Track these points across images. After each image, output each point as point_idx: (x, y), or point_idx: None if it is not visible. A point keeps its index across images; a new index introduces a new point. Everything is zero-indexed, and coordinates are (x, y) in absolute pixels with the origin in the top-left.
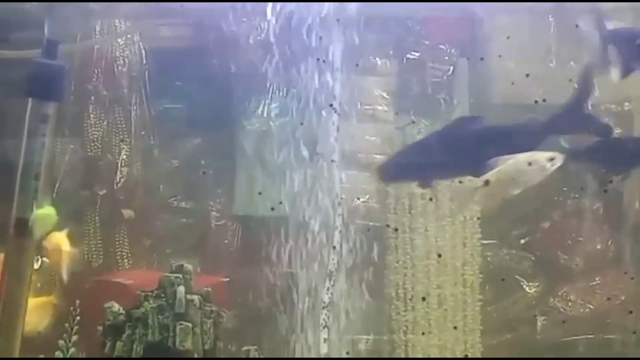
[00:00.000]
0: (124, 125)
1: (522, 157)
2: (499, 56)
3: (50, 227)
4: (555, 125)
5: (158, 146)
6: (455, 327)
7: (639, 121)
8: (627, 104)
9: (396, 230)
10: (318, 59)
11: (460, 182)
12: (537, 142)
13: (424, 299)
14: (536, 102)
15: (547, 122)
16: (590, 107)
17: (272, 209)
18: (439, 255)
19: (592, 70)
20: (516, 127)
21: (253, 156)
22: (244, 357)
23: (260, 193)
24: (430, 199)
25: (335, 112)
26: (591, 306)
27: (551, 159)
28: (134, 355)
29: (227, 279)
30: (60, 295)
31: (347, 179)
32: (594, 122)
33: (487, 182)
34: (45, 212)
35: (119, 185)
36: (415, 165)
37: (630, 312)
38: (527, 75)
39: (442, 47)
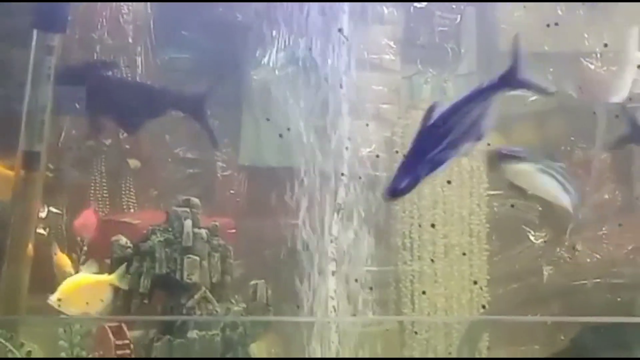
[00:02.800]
0: (129, 75)
1: None
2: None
3: None
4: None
5: None
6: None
7: None
8: None
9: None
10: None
11: None
12: None
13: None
14: None
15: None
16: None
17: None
18: (449, 182)
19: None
20: None
21: (259, 106)
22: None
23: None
24: None
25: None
26: (598, 255)
27: None
28: (141, 288)
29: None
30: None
31: (353, 129)
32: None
33: None
34: None
35: (124, 135)
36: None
37: None
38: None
39: None
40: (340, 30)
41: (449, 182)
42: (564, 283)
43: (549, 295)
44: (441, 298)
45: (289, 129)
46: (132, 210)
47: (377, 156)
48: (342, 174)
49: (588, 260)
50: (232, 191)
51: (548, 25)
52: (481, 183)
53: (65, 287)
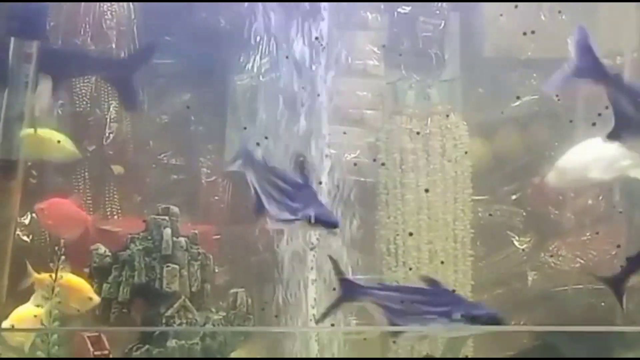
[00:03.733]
0: None
1: None
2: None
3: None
4: None
5: (147, 102)
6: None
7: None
8: (619, 57)
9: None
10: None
11: None
12: None
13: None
14: None
15: None
16: None
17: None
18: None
19: None
20: None
21: (243, 112)
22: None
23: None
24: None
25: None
26: (582, 260)
27: None
28: (120, 297)
29: (218, 237)
30: None
31: (337, 135)
32: None
33: None
34: None
35: (108, 141)
36: None
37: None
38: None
39: None
40: (317, 38)
41: (426, 190)
42: (548, 288)
43: (533, 300)
44: None
45: (266, 138)
46: (115, 217)
47: (360, 162)
48: (320, 183)
49: (572, 265)
50: (216, 197)
51: (525, 34)
52: (465, 189)
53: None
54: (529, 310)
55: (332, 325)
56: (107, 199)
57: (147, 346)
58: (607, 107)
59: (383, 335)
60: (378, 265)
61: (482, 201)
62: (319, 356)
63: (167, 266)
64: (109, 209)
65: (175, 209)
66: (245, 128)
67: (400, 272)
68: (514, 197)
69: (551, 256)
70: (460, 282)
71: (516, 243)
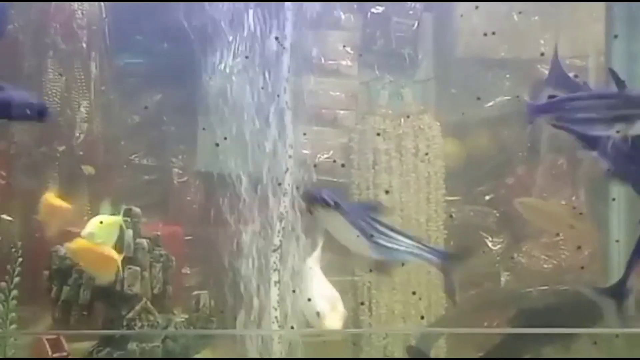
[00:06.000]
0: (83, 80)
1: None
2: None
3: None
4: None
5: (118, 102)
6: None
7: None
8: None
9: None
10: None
11: None
12: None
13: None
14: None
15: None
16: None
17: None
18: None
19: None
20: None
21: (215, 112)
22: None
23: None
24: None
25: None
26: (554, 261)
27: None
28: (80, 300)
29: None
30: None
31: (310, 135)
32: None
33: None
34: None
35: (78, 141)
36: None
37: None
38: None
39: None
40: (277, 38)
41: (387, 192)
42: (521, 288)
43: (506, 300)
44: (399, 305)
45: (225, 138)
46: (85, 218)
47: (334, 161)
48: (279, 183)
49: (545, 266)
50: (188, 198)
51: (485, 35)
52: (438, 189)
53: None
54: (503, 310)
55: (292, 327)
56: (77, 199)
57: (107, 349)
58: None
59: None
60: (350, 266)
61: (455, 202)
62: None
63: (129, 268)
64: (79, 209)
65: (137, 210)
66: (204, 129)
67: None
68: (487, 197)
69: (524, 257)
70: (432, 282)
71: (489, 244)
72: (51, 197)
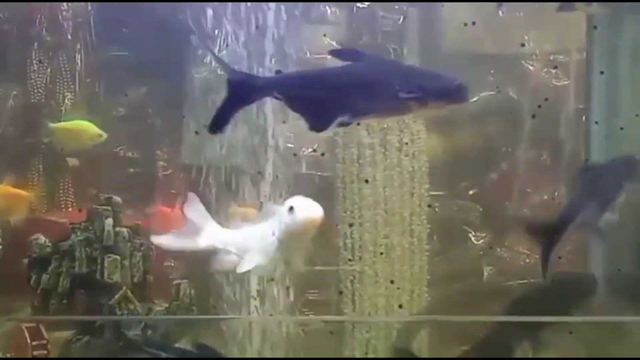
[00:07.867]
0: (68, 72)
1: None
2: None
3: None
4: None
5: (103, 94)
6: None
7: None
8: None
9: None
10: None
11: None
12: None
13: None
14: None
15: None
16: None
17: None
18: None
19: None
20: None
21: (201, 105)
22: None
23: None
24: None
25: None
26: (537, 256)
27: None
28: (60, 288)
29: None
30: None
31: (294, 129)
32: None
33: None
34: None
35: None
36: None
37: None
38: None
39: None
40: (257, 27)
41: (366, 181)
42: (504, 283)
43: (489, 294)
44: (381, 299)
45: (197, 132)
46: (70, 210)
47: (323, 155)
48: (259, 172)
49: (528, 260)
50: (173, 191)
51: (465, 24)
52: (422, 184)
53: None
54: (486, 304)
55: (271, 315)
56: (62, 191)
57: (87, 337)
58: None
59: (342, 326)
60: (334, 260)
61: (439, 196)
62: (261, 349)
63: (109, 257)
64: (64, 201)
65: (118, 199)
66: (183, 117)
67: (357, 266)
68: (471, 192)
69: (507, 251)
70: (416, 277)
71: (472, 238)
72: (6, 188)
